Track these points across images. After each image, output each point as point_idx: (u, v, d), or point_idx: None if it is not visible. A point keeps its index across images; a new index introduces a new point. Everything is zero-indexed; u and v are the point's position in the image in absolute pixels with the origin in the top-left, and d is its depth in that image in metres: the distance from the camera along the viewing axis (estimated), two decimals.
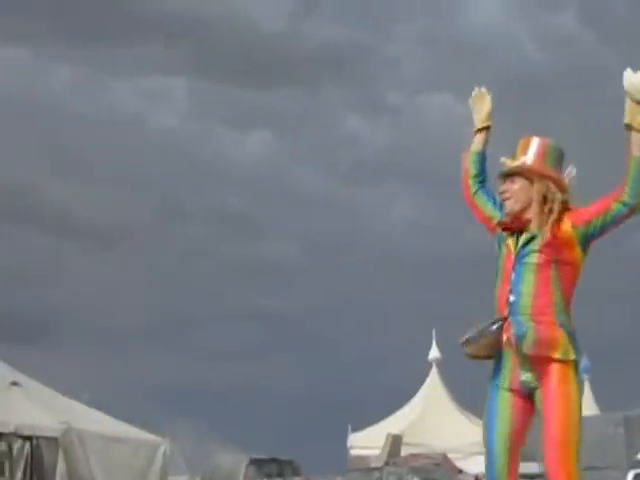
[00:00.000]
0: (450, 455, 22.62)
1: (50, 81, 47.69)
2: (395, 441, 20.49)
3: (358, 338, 41.76)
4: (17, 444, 13.38)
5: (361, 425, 25.67)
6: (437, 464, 21.84)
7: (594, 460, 23.45)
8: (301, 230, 48.04)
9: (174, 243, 46.14)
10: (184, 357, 41.81)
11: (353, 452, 24.54)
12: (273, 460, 17.58)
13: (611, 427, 25.86)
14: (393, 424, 24.22)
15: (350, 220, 48.35)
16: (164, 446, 13.87)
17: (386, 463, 18.66)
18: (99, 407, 16.27)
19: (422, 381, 26.24)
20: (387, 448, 20.18)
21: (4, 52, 46.93)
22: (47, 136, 44.79)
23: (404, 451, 21.21)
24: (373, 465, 19.34)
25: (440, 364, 26.31)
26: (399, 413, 25.45)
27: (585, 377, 35.97)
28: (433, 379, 26.06)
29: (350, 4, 49.47)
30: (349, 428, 25.39)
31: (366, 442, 23.94)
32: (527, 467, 21.03)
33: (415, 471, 16.98)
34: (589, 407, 33.11)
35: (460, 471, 22.83)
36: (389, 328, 39.84)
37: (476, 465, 22.59)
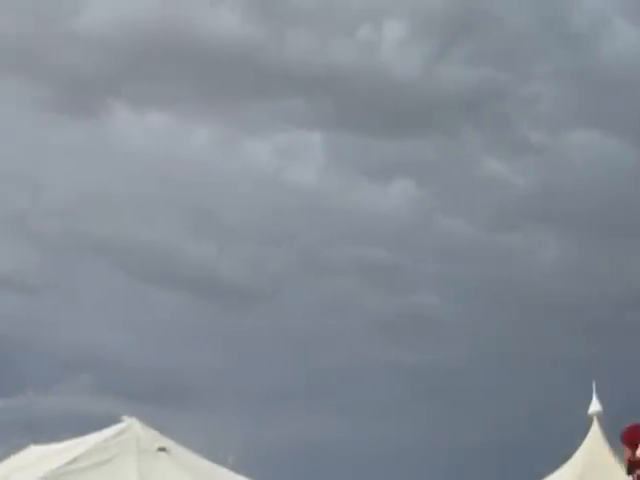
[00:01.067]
0: None
1: (189, 143, 48.37)
2: None
3: (509, 391, 40.09)
4: None
5: None
6: None
7: None
8: (447, 280, 46.84)
9: (317, 298, 45.67)
10: (329, 416, 41.03)
11: None
12: None
13: None
14: None
15: (497, 267, 46.91)
16: None
17: None
18: (244, 470, 15.86)
19: (582, 437, 24.59)
20: None
21: (145, 118, 47.90)
22: (187, 196, 45.33)
23: None
24: None
25: (602, 418, 24.64)
26: (557, 473, 23.79)
27: None
28: (594, 435, 24.34)
29: (483, 47, 48.40)
30: None
31: None
32: None
33: None
34: None
35: None
36: (543, 379, 38.13)
37: None
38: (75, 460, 14.15)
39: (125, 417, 16.12)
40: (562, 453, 24.95)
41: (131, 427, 15.60)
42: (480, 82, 47.50)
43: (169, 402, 41.37)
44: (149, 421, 16.09)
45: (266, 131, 50.49)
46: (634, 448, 5.29)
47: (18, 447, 16.97)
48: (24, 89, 44.19)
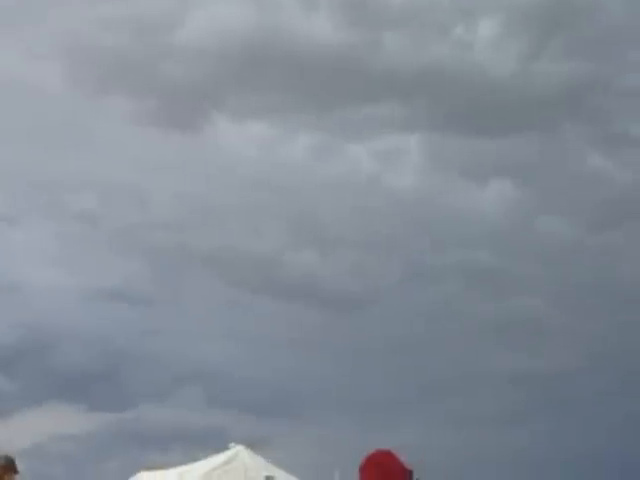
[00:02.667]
0: None
1: (289, 151, 48.46)
2: None
3: (623, 398, 38.92)
4: None
5: None
6: None
7: None
8: (551, 282, 45.78)
9: (419, 304, 45.17)
10: (439, 426, 40.51)
11: None
12: None
13: None
14: None
15: (601, 267, 45.66)
16: None
17: None
18: None
19: None
20: None
21: (246, 127, 48.14)
22: (289, 204, 45.35)
23: None
24: None
25: None
26: None
27: None
28: None
29: (579, 40, 47.10)
30: None
31: None
32: None
33: None
34: None
35: None
36: None
37: None
38: None
39: (232, 444, 16.09)
40: None
41: (238, 455, 15.59)
42: (577, 76, 46.36)
43: (276, 414, 41.48)
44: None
45: (365, 135, 50.29)
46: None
47: (130, 465, 17.12)
48: (128, 103, 44.89)
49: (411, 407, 42.08)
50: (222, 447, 16.24)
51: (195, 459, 16.53)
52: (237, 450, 16.00)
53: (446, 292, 45.86)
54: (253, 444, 16.30)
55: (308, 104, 47.01)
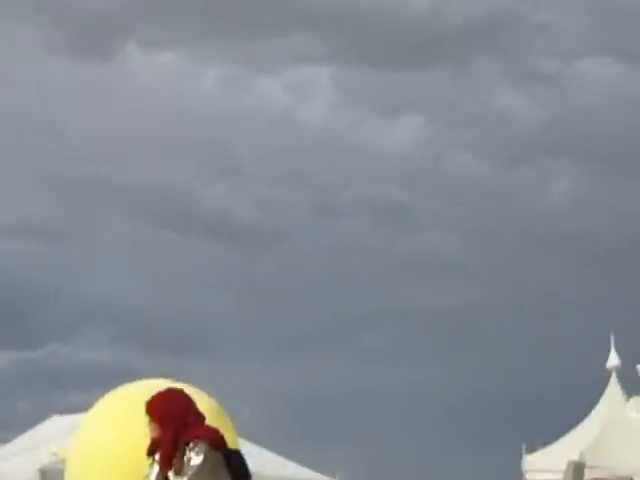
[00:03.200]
0: (637, 478, 20.92)
1: (198, 83, 47.73)
2: (577, 470, 18.89)
3: (527, 338, 39.96)
4: None
5: (536, 445, 24.15)
6: None
7: None
8: (459, 218, 46.44)
9: (329, 240, 45.40)
10: (344, 363, 41.05)
11: (529, 476, 22.89)
12: None
13: None
14: (571, 444, 22.38)
15: (510, 203, 46.47)
16: None
17: None
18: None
19: (601, 392, 24.42)
20: (569, 478, 18.62)
21: (153, 58, 47.19)
22: (198, 138, 44.81)
23: (587, 475, 19.63)
24: None
25: (621, 373, 24.40)
26: (577, 430, 23.51)
27: None
28: (613, 390, 24.16)
29: None
30: (523, 449, 23.81)
31: (543, 465, 22.35)
32: None
33: None
34: None
35: None
36: (560, 326, 38.00)
37: None
38: None
39: None
40: (580, 406, 24.89)
41: None
42: (491, 11, 46.62)
43: (185, 350, 41.46)
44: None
45: (277, 68, 49.78)
46: (160, 424, 4.48)
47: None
48: (40, 33, 43.56)
49: (319, 343, 42.56)
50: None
51: None
52: None
53: (355, 228, 46.22)
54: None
55: (220, 36, 46.22)
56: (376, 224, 47.21)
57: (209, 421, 4.52)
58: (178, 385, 5.02)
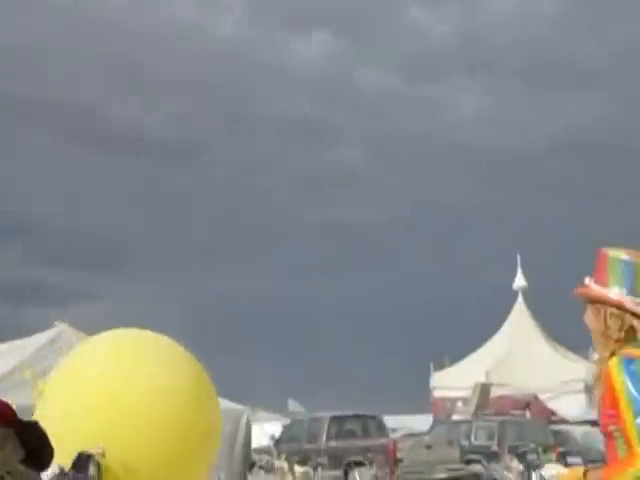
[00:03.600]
0: (541, 396, 21.57)
1: None
2: (484, 391, 19.51)
3: (434, 254, 40.67)
4: None
5: (444, 363, 24.85)
6: (527, 406, 20.88)
7: None
8: (369, 133, 46.69)
9: (242, 155, 45.31)
10: (258, 275, 41.32)
11: (436, 393, 23.57)
12: (356, 416, 16.80)
13: None
14: (477, 362, 23.12)
15: (419, 118, 46.80)
16: (246, 415, 13.30)
17: (475, 415, 17.81)
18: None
19: (507, 312, 25.11)
20: (475, 399, 19.21)
21: None
22: (108, 54, 43.90)
23: (492, 392, 20.31)
24: (460, 416, 18.54)
25: (527, 293, 25.06)
26: (484, 349, 24.26)
27: None
28: (519, 310, 24.83)
29: None
30: (431, 367, 24.48)
31: (450, 382, 22.91)
32: None
33: (506, 425, 16.06)
34: None
35: (553, 413, 21.76)
36: (467, 240, 38.69)
37: (569, 407, 21.69)
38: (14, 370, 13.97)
39: (57, 322, 15.91)
40: (487, 326, 25.60)
41: (62, 334, 15.38)
42: None
43: (102, 266, 41.22)
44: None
45: None
46: None
47: None
48: None
49: (233, 255, 42.79)
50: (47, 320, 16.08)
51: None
52: (61, 328, 15.78)
53: (266, 142, 46.14)
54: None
55: None
56: (287, 139, 47.21)
57: (180, 370, 4.46)
58: (152, 335, 4.88)
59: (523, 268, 24.95)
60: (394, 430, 18.53)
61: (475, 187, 42.25)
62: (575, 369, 22.29)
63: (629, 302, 2.62)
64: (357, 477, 12.09)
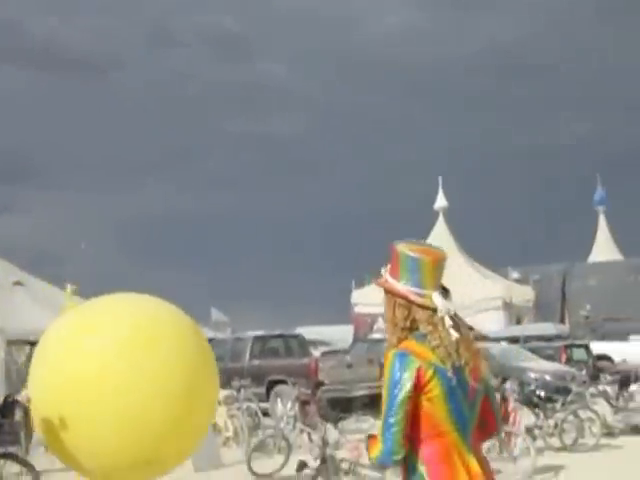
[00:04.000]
0: (460, 312, 21.86)
1: None
2: None
3: (354, 170, 40.78)
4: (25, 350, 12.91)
5: (364, 281, 25.24)
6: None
7: (613, 310, 23.21)
8: (292, 48, 46.31)
9: (164, 68, 44.62)
10: (177, 189, 41.10)
11: (357, 309, 24.02)
12: (279, 336, 17.00)
13: (633, 275, 25.21)
14: None
15: (343, 33, 46.51)
16: None
17: None
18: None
19: (428, 231, 25.49)
20: None
21: None
22: None
23: None
24: (380, 334, 18.84)
25: (447, 213, 25.44)
26: None
27: (600, 209, 35.04)
28: (440, 229, 25.22)
29: None
30: (352, 284, 24.86)
31: (370, 299, 23.43)
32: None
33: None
34: (609, 250, 32.40)
35: (471, 329, 22.14)
36: (388, 158, 38.89)
37: (488, 322, 22.26)
38: None
39: None
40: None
41: None
42: None
43: (20, 179, 40.49)
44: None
45: None
46: None
47: None
48: None
49: (155, 169, 42.46)
50: None
51: None
52: None
53: (189, 57, 45.45)
54: None
55: None
56: (207, 53, 46.60)
57: (182, 334, 4.40)
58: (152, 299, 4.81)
59: (444, 188, 25.30)
60: (315, 345, 18.85)
61: (395, 103, 42.33)
62: (493, 287, 22.88)
63: (413, 294, 2.76)
64: (279, 399, 12.27)
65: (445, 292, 2.88)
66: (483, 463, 2.77)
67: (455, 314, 2.81)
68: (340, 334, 24.41)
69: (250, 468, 8.31)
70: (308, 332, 27.38)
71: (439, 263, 2.91)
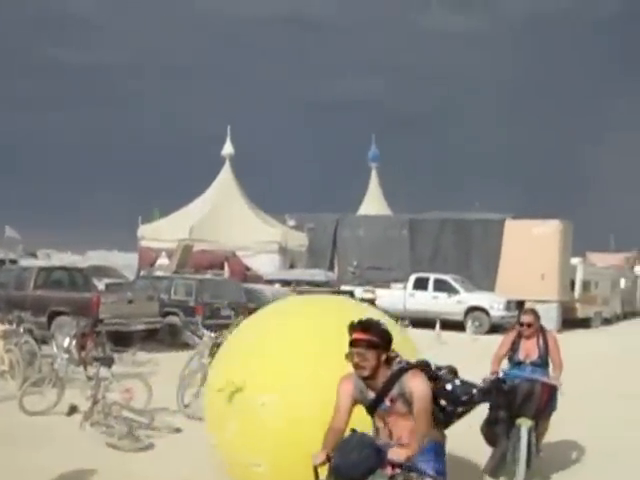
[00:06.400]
0: (239, 253, 23.22)
1: None
2: (186, 250, 20.79)
3: (161, 102, 41.06)
4: None
5: (152, 217, 26.08)
6: (226, 260, 22.55)
7: (379, 261, 25.07)
8: None
9: None
10: None
11: (144, 243, 24.80)
12: (64, 269, 17.58)
13: (397, 229, 27.17)
14: (183, 218, 24.58)
15: None
16: None
17: (176, 272, 18.99)
18: None
19: (215, 176, 26.55)
20: (177, 257, 20.44)
21: None
22: None
23: (195, 247, 21.63)
24: (162, 272, 19.67)
25: (233, 160, 26.48)
26: (190, 207, 25.69)
27: (373, 166, 37.09)
28: (226, 175, 26.23)
29: None
30: (140, 219, 25.58)
31: (156, 235, 24.24)
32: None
33: (204, 283, 17.43)
34: (379, 204, 34.47)
35: (248, 269, 23.64)
36: (181, 104, 39.31)
37: (265, 264, 23.61)
38: None
39: None
40: (196, 186, 26.92)
41: None
42: None
43: None
44: None
45: None
46: None
47: None
48: None
49: None
50: None
51: None
52: None
53: None
54: None
55: None
56: None
57: None
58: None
59: (233, 135, 26.29)
60: (101, 275, 19.52)
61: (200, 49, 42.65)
62: (272, 232, 24.26)
63: None
64: (58, 333, 12.74)
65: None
66: None
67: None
68: (128, 261, 25.18)
69: (22, 406, 8.17)
70: (98, 256, 28.05)
71: None
